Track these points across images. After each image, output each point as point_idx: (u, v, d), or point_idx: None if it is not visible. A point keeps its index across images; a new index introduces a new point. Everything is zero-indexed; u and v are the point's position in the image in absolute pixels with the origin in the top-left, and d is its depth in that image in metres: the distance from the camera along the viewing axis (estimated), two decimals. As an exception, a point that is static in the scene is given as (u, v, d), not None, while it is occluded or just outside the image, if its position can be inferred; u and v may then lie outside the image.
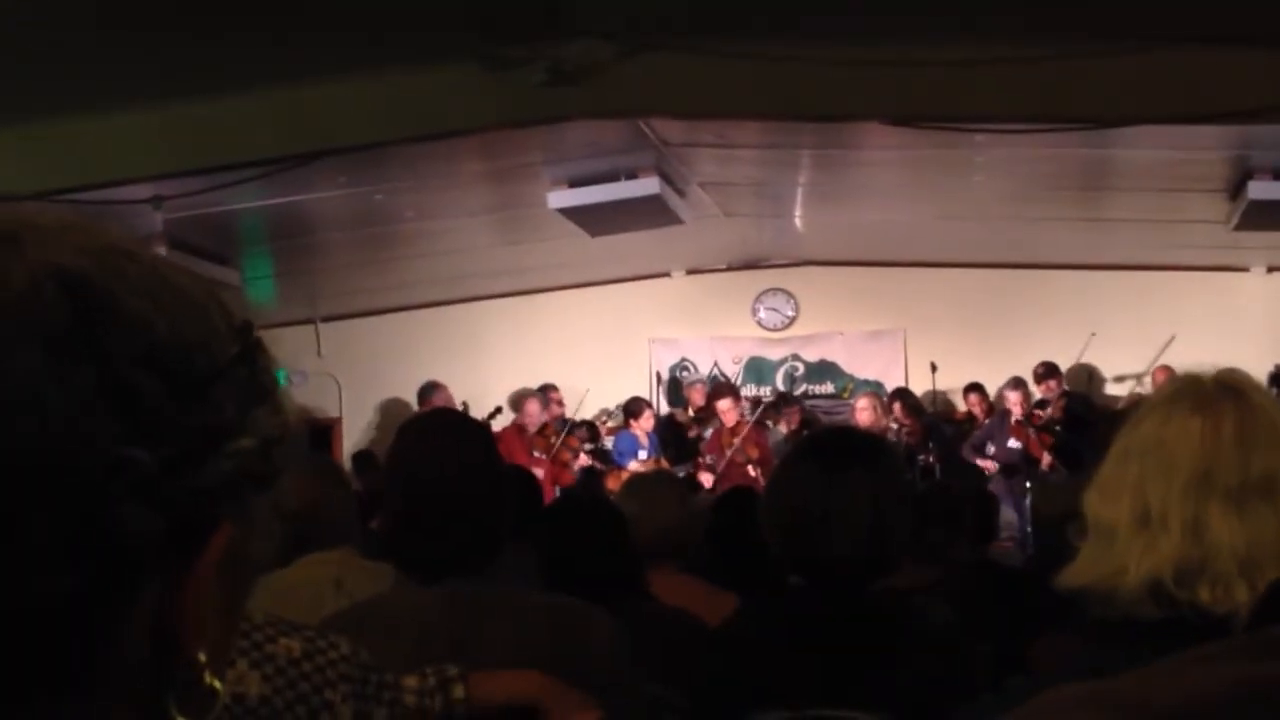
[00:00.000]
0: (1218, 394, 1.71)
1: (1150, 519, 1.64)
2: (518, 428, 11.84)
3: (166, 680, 0.72)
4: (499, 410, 12.21)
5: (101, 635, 0.69)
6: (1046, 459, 10.99)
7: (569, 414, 12.56)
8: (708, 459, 11.60)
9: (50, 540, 0.66)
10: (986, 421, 11.85)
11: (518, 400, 12.26)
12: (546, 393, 12.36)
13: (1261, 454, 1.66)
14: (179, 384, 0.70)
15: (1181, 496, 1.63)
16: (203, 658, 0.73)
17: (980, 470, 11.45)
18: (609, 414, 12.51)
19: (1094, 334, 11.96)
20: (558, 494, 10.84)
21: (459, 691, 2.06)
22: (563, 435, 11.85)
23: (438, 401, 11.52)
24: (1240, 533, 1.61)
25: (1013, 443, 11.33)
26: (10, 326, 0.67)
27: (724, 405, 11.71)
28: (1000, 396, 11.78)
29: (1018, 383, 11.58)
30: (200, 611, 0.72)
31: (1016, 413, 11.40)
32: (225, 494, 0.72)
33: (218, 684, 0.74)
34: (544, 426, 11.89)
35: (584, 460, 11.83)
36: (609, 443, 12.20)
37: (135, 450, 0.67)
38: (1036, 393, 11.61)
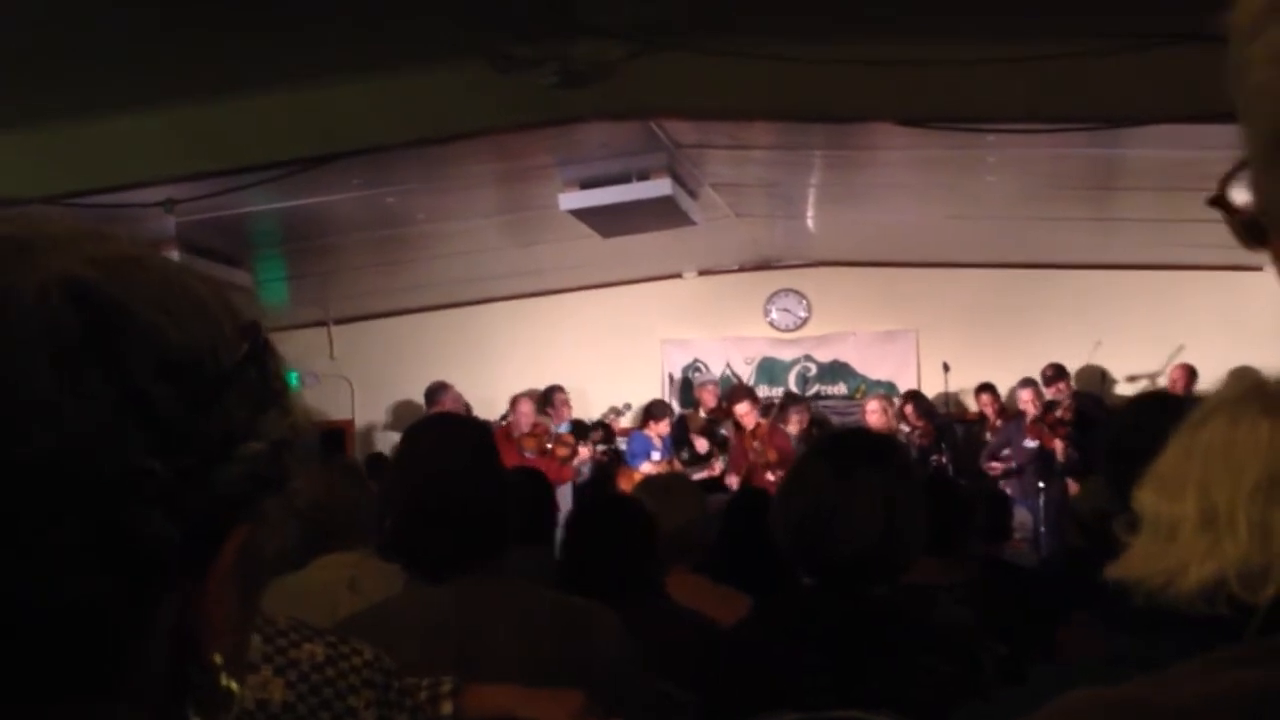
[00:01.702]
0: None
1: (1216, 519, 1.63)
2: (503, 432, 11.73)
3: (184, 682, 0.73)
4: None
5: (122, 640, 0.70)
6: (1060, 447, 10.97)
7: (576, 414, 12.52)
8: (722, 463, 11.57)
9: (69, 550, 0.66)
10: (999, 425, 11.85)
11: (513, 402, 12.14)
12: (552, 394, 12.30)
13: None
14: (191, 392, 0.70)
15: (1249, 499, 1.62)
16: (219, 660, 0.73)
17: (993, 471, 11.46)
18: (618, 411, 12.46)
19: (1099, 342, 11.96)
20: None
21: (447, 708, 2.08)
22: (556, 434, 11.78)
23: (445, 402, 11.49)
24: None
25: (1029, 442, 11.32)
26: (21, 337, 0.67)
27: (742, 409, 11.67)
28: (1013, 396, 11.78)
29: (1029, 381, 11.58)
30: (217, 614, 0.73)
31: (1031, 411, 11.39)
32: (238, 498, 0.73)
33: (234, 685, 0.74)
34: (534, 425, 11.78)
35: (583, 455, 11.77)
36: (622, 443, 12.19)
37: (150, 460, 0.68)
38: (1046, 395, 11.60)
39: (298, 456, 0.78)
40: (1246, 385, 1.75)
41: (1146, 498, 1.73)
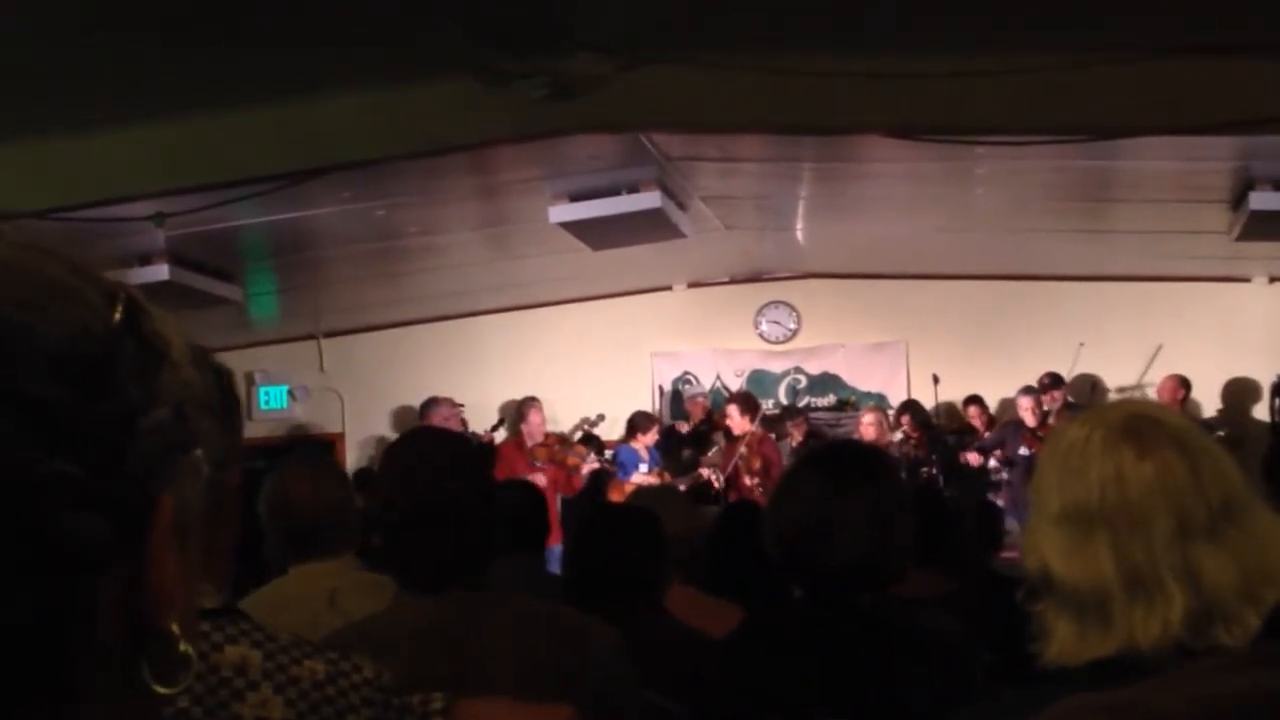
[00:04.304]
0: (1149, 431, 1.70)
1: (1142, 579, 1.61)
2: (516, 443, 11.81)
3: (145, 656, 0.73)
4: (502, 422, 12.22)
5: (72, 640, 0.69)
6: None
7: (563, 427, 12.53)
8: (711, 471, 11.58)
9: (4, 573, 0.65)
10: (989, 433, 11.86)
11: (518, 412, 12.17)
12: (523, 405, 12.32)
13: (1211, 480, 1.65)
14: (80, 382, 0.69)
15: (1166, 550, 1.61)
16: (176, 629, 0.73)
17: (983, 481, 11.45)
18: (590, 423, 12.44)
19: (1082, 344, 11.95)
20: (559, 502, 10.84)
21: None
22: (569, 442, 11.83)
23: (437, 416, 11.51)
24: (1231, 567, 1.60)
25: (1023, 450, 11.32)
26: None
27: (731, 410, 11.72)
28: (1013, 404, 11.79)
29: (1030, 389, 11.58)
30: (163, 586, 0.72)
31: (1029, 420, 11.39)
32: (155, 470, 0.72)
33: (190, 650, 0.74)
34: (546, 435, 11.88)
35: (593, 464, 11.81)
36: (608, 455, 12.19)
37: (63, 464, 0.67)
38: (1042, 403, 11.62)
39: (199, 405, 0.77)
40: (1109, 422, 1.73)
41: (1054, 562, 1.68)
